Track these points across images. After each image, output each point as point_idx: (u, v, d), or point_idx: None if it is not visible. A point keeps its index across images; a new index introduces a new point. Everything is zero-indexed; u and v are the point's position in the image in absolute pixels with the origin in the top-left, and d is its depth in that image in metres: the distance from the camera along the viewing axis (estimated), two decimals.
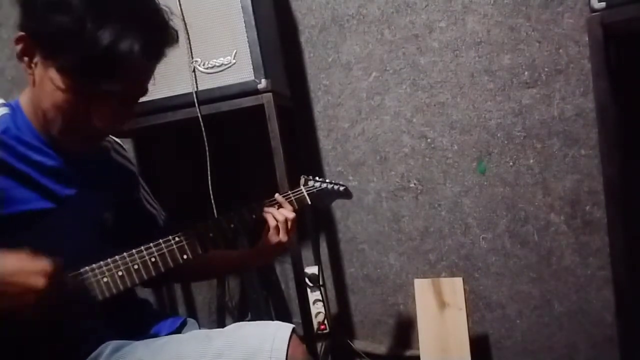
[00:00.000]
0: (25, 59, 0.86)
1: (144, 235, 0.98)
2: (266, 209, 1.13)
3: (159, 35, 0.87)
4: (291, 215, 1.13)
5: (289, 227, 1.12)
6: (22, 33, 0.84)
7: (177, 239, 0.98)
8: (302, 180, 1.24)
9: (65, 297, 0.80)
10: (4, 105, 0.90)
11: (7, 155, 0.85)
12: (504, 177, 1.69)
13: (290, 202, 1.17)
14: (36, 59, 0.85)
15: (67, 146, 0.92)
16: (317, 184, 1.23)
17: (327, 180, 1.25)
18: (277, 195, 1.16)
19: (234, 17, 1.43)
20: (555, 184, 1.63)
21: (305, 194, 1.21)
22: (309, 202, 1.21)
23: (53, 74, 0.83)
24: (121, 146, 1.13)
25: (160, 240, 0.96)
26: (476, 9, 1.64)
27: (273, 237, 1.12)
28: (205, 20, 1.44)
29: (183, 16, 1.44)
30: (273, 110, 1.47)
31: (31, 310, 0.75)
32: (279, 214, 1.12)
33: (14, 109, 0.90)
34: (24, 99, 0.91)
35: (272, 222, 1.11)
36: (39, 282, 0.74)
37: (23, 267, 0.74)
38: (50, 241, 0.86)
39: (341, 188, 1.27)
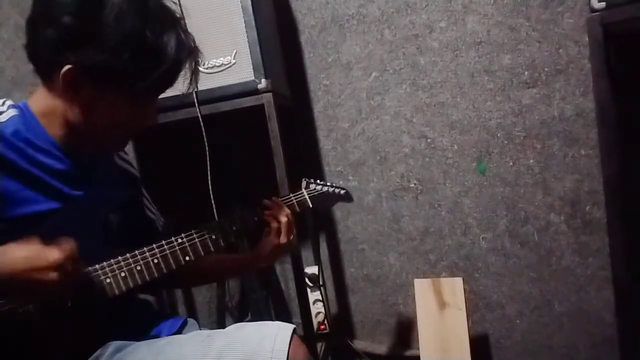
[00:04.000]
0: (70, 89, 0.84)
1: (142, 239, 0.98)
2: (267, 211, 1.13)
3: (183, 26, 0.93)
4: (290, 218, 1.13)
5: (289, 229, 1.12)
6: (70, 66, 0.81)
7: (179, 240, 0.98)
8: (304, 183, 1.23)
9: (78, 283, 0.81)
10: (13, 106, 0.89)
11: (17, 157, 0.84)
12: (504, 177, 1.69)
13: (292, 205, 1.17)
14: (85, 88, 0.84)
15: (81, 150, 0.93)
16: (319, 187, 1.23)
17: (328, 183, 1.25)
18: (275, 198, 1.16)
19: (234, 17, 1.43)
20: (555, 184, 1.63)
21: (307, 197, 1.21)
22: (311, 205, 1.21)
23: (114, 97, 0.86)
24: (124, 150, 1.13)
25: (163, 242, 0.96)
26: (476, 9, 1.64)
27: (274, 240, 1.12)
28: (205, 20, 1.44)
29: (183, 16, 1.43)
30: (273, 110, 1.47)
31: (46, 297, 0.77)
32: (281, 216, 1.12)
33: (23, 111, 0.89)
34: (36, 104, 0.90)
35: (273, 225, 1.11)
36: (53, 276, 0.74)
37: (32, 263, 0.74)
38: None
39: (342, 192, 1.26)
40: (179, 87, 0.95)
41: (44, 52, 0.84)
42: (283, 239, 1.11)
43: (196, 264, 1.02)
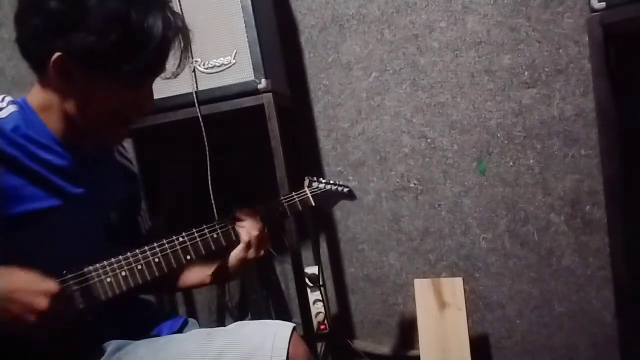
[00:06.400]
0: (62, 78, 0.84)
1: (125, 240, 0.98)
2: (239, 223, 1.05)
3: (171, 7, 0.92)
4: (263, 232, 1.05)
5: (260, 244, 1.05)
6: (59, 54, 0.81)
7: (180, 239, 0.98)
8: (307, 182, 1.22)
9: (67, 320, 0.80)
10: (12, 102, 0.89)
11: (18, 154, 0.84)
12: (504, 177, 1.69)
13: (294, 204, 1.16)
14: (77, 75, 0.84)
15: (82, 145, 0.93)
16: (322, 186, 1.21)
17: (331, 182, 1.23)
18: (248, 209, 1.08)
19: (234, 17, 1.44)
20: (555, 184, 1.63)
21: (309, 195, 1.19)
22: (313, 204, 1.19)
23: (106, 82, 0.85)
24: (124, 148, 1.13)
25: (164, 241, 0.96)
26: (476, 9, 1.64)
27: (242, 254, 1.04)
28: (205, 20, 1.44)
29: (183, 16, 1.44)
30: (273, 110, 1.47)
31: (31, 329, 0.75)
32: (253, 230, 1.03)
33: (23, 107, 0.89)
34: (34, 99, 0.90)
35: (244, 238, 1.03)
36: (42, 303, 0.74)
37: (28, 286, 0.75)
38: (57, 238, 0.86)
39: (345, 190, 1.25)
40: (170, 67, 0.93)
41: (34, 44, 0.84)
42: (252, 254, 1.04)
43: (175, 273, 1.00)
